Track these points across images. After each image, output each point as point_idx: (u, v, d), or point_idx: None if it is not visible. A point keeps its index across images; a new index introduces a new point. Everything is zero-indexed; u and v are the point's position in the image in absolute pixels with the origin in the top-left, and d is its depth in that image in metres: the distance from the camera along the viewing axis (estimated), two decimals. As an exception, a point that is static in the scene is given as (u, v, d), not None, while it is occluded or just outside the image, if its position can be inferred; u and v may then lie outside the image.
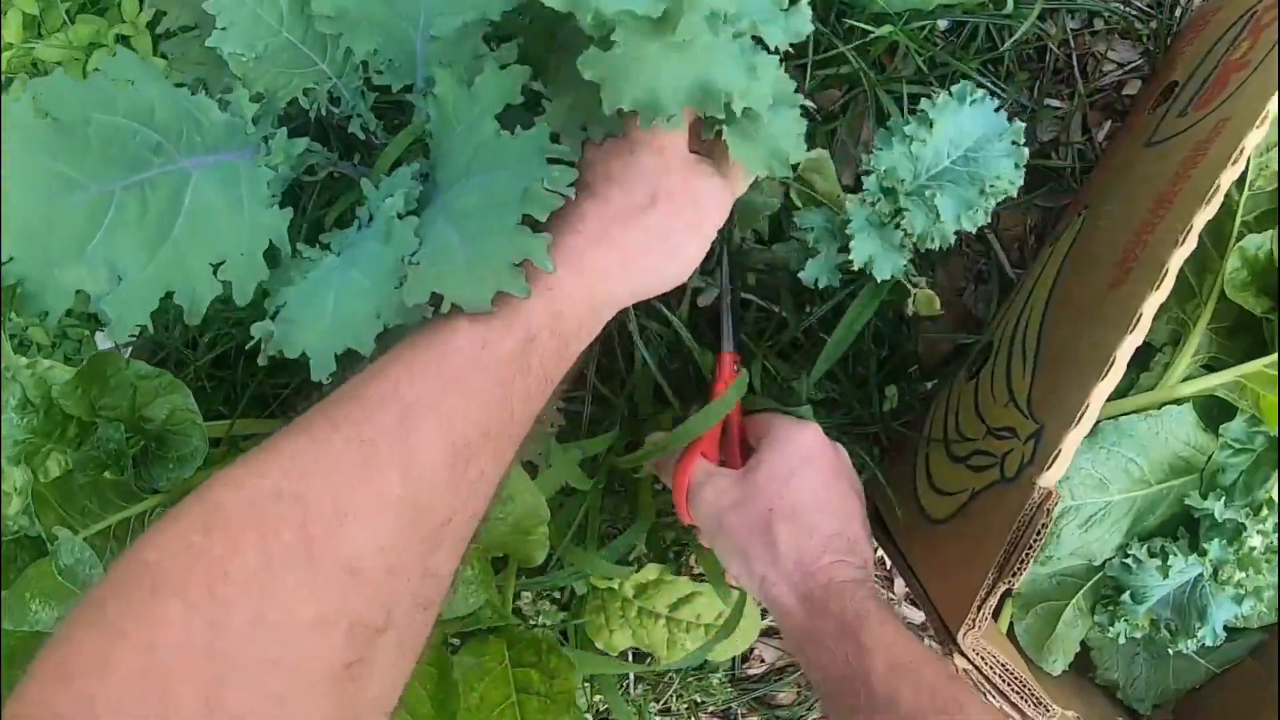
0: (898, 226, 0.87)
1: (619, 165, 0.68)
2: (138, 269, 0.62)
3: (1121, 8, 1.08)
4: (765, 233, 1.03)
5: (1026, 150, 0.84)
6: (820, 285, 0.92)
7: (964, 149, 0.84)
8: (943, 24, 1.05)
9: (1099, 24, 1.08)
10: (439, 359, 0.59)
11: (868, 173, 0.86)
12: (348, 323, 0.61)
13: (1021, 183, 0.84)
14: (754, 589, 0.83)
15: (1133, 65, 1.08)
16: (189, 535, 0.50)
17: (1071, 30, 1.07)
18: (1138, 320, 0.73)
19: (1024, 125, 0.84)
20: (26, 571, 0.67)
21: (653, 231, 0.67)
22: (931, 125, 0.83)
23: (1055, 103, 1.09)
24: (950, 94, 0.83)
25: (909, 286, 0.95)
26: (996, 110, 0.84)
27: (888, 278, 0.88)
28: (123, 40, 1.27)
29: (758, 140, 0.68)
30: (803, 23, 0.64)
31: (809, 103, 0.67)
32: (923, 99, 0.84)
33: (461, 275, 0.59)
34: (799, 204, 0.98)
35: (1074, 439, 0.73)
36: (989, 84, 1.05)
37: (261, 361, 0.62)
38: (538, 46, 0.70)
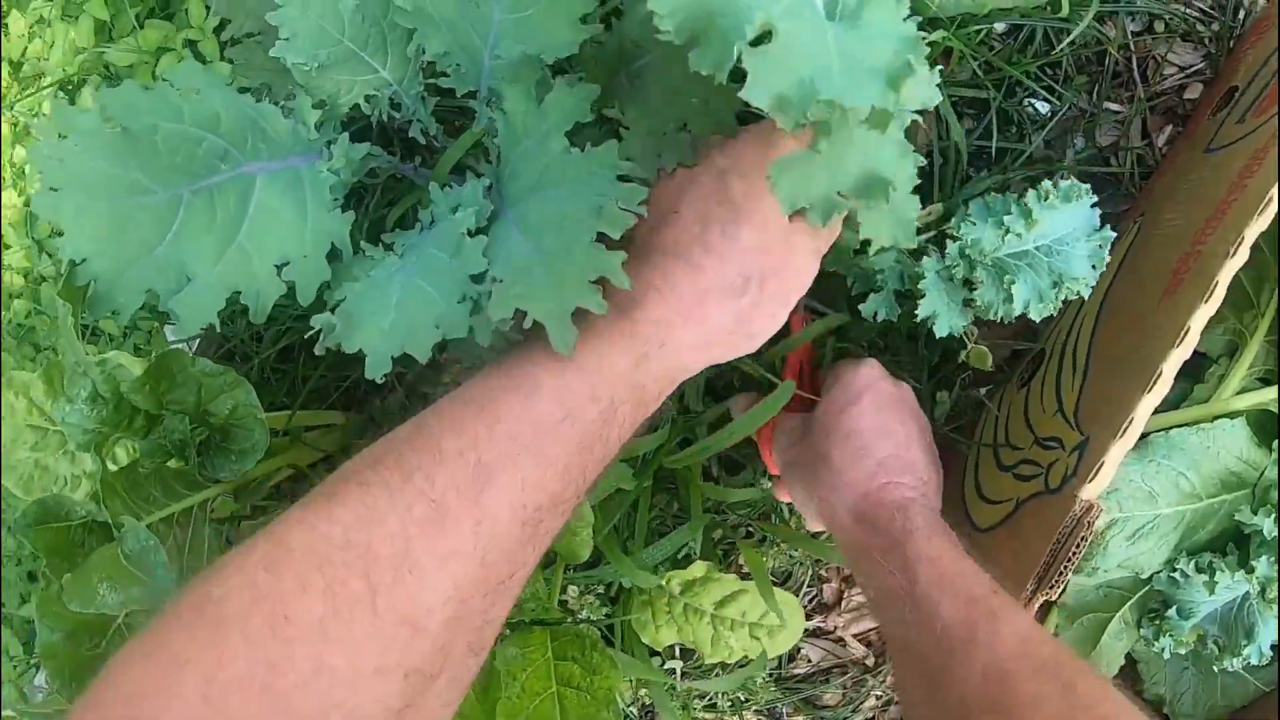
0: (968, 289, 0.88)
1: (719, 235, 0.67)
2: (205, 270, 0.64)
3: (1182, 9, 1.05)
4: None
5: (1109, 255, 0.84)
6: (878, 319, 0.94)
7: (1050, 239, 0.85)
8: (1000, 27, 1.04)
9: (1159, 27, 1.06)
10: (518, 421, 0.60)
11: (953, 238, 0.87)
12: (408, 328, 0.63)
13: (1094, 283, 0.85)
14: (815, 512, 0.86)
15: (1194, 69, 1.06)
16: (255, 572, 0.51)
17: (1131, 33, 1.05)
18: (1186, 333, 0.73)
19: (1114, 235, 0.85)
20: (93, 556, 0.71)
21: (740, 315, 0.68)
22: (1033, 222, 0.83)
23: (1114, 106, 1.07)
24: (1058, 190, 0.83)
25: (966, 341, 0.96)
26: (1092, 206, 0.84)
27: (945, 335, 0.89)
28: (190, 45, 1.31)
29: (887, 214, 0.69)
30: (932, 92, 0.65)
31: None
32: (1030, 190, 0.84)
33: (544, 292, 0.60)
34: None
35: (1118, 452, 0.73)
36: (1046, 88, 1.04)
37: (319, 351, 0.64)
38: (604, 74, 0.71)
